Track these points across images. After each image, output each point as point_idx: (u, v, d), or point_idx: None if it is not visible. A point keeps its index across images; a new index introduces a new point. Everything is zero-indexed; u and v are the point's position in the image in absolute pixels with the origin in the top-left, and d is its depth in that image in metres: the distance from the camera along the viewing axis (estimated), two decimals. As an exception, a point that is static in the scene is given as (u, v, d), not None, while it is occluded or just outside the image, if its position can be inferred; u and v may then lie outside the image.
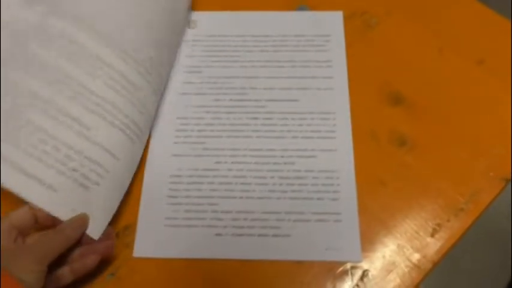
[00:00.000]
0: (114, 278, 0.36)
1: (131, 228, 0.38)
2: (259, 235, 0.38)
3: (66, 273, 0.34)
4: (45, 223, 0.35)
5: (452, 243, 0.37)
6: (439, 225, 0.37)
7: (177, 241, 0.38)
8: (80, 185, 0.36)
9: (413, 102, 0.43)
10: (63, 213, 0.34)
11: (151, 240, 0.38)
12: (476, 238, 0.93)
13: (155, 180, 0.40)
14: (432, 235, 0.37)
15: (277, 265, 0.36)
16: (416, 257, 0.36)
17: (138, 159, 0.40)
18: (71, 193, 0.35)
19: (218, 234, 0.38)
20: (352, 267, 0.36)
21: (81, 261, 0.34)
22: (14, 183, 0.34)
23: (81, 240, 0.34)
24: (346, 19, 0.48)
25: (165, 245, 0.38)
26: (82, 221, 0.35)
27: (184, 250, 0.37)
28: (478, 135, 0.41)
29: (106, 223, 0.36)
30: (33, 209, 0.34)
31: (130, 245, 0.37)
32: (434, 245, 0.37)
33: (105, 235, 0.36)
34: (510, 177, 0.39)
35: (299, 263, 0.37)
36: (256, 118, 0.43)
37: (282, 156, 0.41)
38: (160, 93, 0.43)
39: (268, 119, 0.43)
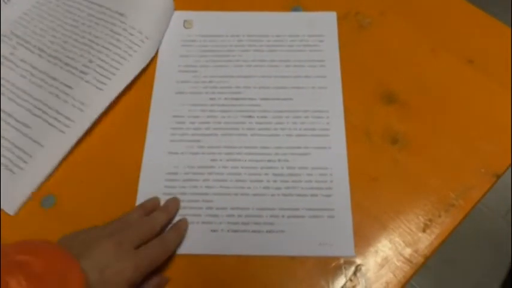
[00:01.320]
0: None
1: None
2: (254, 231, 0.38)
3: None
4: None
5: (443, 238, 0.37)
6: (430, 220, 0.38)
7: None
8: (5, 168, 0.40)
9: (406, 100, 0.44)
10: None
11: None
12: (473, 237, 0.94)
13: (151, 178, 0.41)
14: (424, 230, 0.38)
15: (271, 260, 0.37)
16: (408, 251, 0.37)
17: (68, 148, 0.42)
18: None
19: (213, 231, 0.38)
20: (345, 262, 0.37)
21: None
22: None
23: None
24: (340, 19, 0.49)
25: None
26: (183, 226, 0.38)
27: (180, 246, 0.38)
28: (469, 132, 0.42)
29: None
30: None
31: (126, 241, 0.38)
32: (425, 240, 0.37)
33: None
34: (501, 173, 0.40)
35: (292, 258, 0.37)
36: (250, 116, 0.44)
37: (276, 154, 0.42)
38: (110, 89, 0.44)
39: (263, 117, 0.44)
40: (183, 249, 0.38)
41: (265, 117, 0.44)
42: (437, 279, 0.91)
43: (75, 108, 0.43)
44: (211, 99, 0.45)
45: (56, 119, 0.43)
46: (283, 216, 0.39)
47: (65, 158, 0.42)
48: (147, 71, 0.46)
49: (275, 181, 0.40)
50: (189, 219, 0.39)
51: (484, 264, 0.96)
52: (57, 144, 0.42)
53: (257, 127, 0.43)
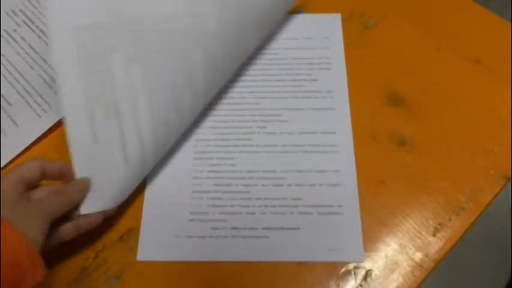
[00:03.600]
0: (118, 281, 0.36)
1: (134, 231, 0.38)
2: (263, 237, 0.38)
3: (69, 229, 0.35)
4: (53, 176, 0.36)
5: (454, 242, 0.37)
6: (440, 224, 0.38)
7: (180, 244, 0.38)
8: None
9: (412, 102, 0.44)
10: None
11: (155, 244, 0.38)
12: (476, 237, 0.93)
13: (158, 184, 0.40)
14: (434, 234, 0.37)
15: (280, 266, 0.37)
16: (418, 256, 0.36)
17: (40, 133, 0.43)
18: None
19: (221, 237, 0.38)
20: (355, 267, 0.36)
21: (85, 218, 0.35)
22: None
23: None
24: (345, 21, 0.48)
25: (169, 248, 0.38)
26: (85, 184, 0.36)
27: (187, 253, 0.37)
28: (477, 133, 0.42)
29: None
30: (41, 162, 0.35)
31: (134, 248, 0.37)
32: (436, 244, 0.37)
33: None
34: (510, 175, 0.39)
35: (301, 263, 0.37)
36: (253, 115, 0.44)
37: (284, 157, 0.41)
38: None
39: (267, 116, 0.44)
40: (190, 256, 0.37)
41: (269, 116, 0.43)
42: (440, 279, 0.91)
43: (57, 96, 0.42)
44: (219, 106, 0.44)
45: (36, 102, 0.44)
46: (291, 221, 0.39)
47: (35, 142, 0.42)
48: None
49: (281, 185, 0.40)
50: (197, 225, 0.38)
51: (488, 265, 0.95)
52: (31, 127, 0.42)
53: (261, 125, 0.43)
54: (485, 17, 0.48)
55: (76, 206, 0.35)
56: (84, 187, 0.36)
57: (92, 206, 0.36)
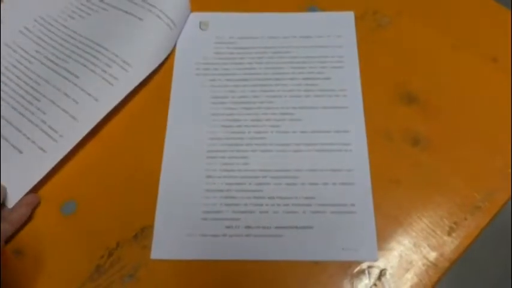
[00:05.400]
0: (132, 279, 0.36)
1: (148, 229, 0.38)
2: (276, 236, 0.38)
3: (6, 227, 0.37)
4: None
5: (470, 241, 0.36)
6: (455, 223, 0.37)
7: (194, 243, 0.38)
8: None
9: (427, 101, 0.43)
10: None
11: (168, 242, 0.38)
12: (490, 236, 0.92)
13: (171, 183, 0.41)
14: (449, 233, 0.37)
15: (294, 265, 0.37)
16: (433, 255, 0.36)
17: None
18: None
19: (235, 236, 0.38)
20: (369, 267, 0.36)
21: (16, 212, 0.38)
22: None
23: None
24: (358, 19, 0.48)
25: (183, 247, 0.38)
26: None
27: (201, 252, 0.38)
28: (493, 132, 0.41)
29: None
30: None
31: (148, 247, 0.38)
32: (451, 244, 0.36)
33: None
34: (527, 175, 0.39)
35: (315, 263, 0.37)
36: (266, 113, 0.44)
37: (297, 153, 0.41)
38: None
39: (281, 114, 0.43)
40: (204, 255, 0.37)
41: (282, 115, 0.43)
42: (454, 278, 0.90)
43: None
44: (232, 105, 0.44)
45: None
46: (305, 220, 0.38)
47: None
48: (165, 75, 0.46)
49: (295, 184, 0.40)
50: (211, 224, 0.39)
51: (503, 264, 0.94)
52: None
53: (274, 124, 0.43)
54: (501, 14, 0.47)
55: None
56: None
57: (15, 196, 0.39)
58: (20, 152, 0.41)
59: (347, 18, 0.49)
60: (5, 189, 0.39)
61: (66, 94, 0.43)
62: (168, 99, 0.45)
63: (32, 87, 0.44)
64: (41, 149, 0.41)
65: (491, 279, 0.94)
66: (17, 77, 0.46)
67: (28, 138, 0.42)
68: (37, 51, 0.47)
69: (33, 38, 0.48)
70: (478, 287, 0.94)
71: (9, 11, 0.50)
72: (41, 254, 0.38)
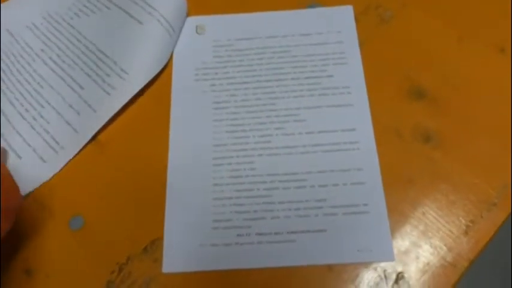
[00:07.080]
0: (145, 294, 0.36)
1: (158, 242, 0.37)
2: (289, 241, 0.37)
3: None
4: None
5: (488, 239, 0.36)
6: (472, 221, 0.36)
7: (205, 253, 0.37)
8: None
9: (435, 95, 0.42)
10: None
11: (179, 255, 0.37)
12: (504, 235, 0.92)
13: (179, 193, 0.40)
14: (466, 232, 0.36)
15: (309, 270, 0.36)
16: (451, 255, 0.35)
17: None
18: None
19: (247, 243, 0.37)
20: (386, 270, 0.35)
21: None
22: None
23: None
24: (360, 14, 0.47)
25: (195, 258, 0.37)
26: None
27: (213, 262, 0.37)
28: (506, 125, 0.40)
29: None
30: None
31: (158, 260, 0.37)
32: (469, 243, 0.36)
33: None
34: (542, 168, 0.38)
35: (330, 266, 0.36)
36: (269, 116, 0.43)
37: (304, 155, 0.40)
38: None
39: (284, 116, 0.43)
40: (217, 266, 0.37)
41: (286, 117, 0.42)
42: (468, 277, 0.89)
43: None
44: (235, 109, 0.43)
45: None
46: (317, 223, 0.38)
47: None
48: (164, 82, 0.45)
49: (304, 187, 0.39)
50: (222, 233, 0.38)
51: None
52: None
53: (279, 126, 0.42)
54: (507, 3, 0.46)
55: None
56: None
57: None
58: (19, 157, 0.40)
59: (345, 12, 0.47)
60: (6, 152, 0.37)
61: (71, 106, 0.42)
62: (169, 106, 0.43)
63: (34, 89, 0.43)
64: (41, 158, 0.40)
65: (506, 280, 0.93)
66: (18, 70, 0.45)
67: (29, 145, 0.41)
68: (42, 50, 0.46)
69: (40, 36, 0.47)
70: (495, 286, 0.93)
71: (18, 5, 0.49)
72: (52, 272, 0.37)
